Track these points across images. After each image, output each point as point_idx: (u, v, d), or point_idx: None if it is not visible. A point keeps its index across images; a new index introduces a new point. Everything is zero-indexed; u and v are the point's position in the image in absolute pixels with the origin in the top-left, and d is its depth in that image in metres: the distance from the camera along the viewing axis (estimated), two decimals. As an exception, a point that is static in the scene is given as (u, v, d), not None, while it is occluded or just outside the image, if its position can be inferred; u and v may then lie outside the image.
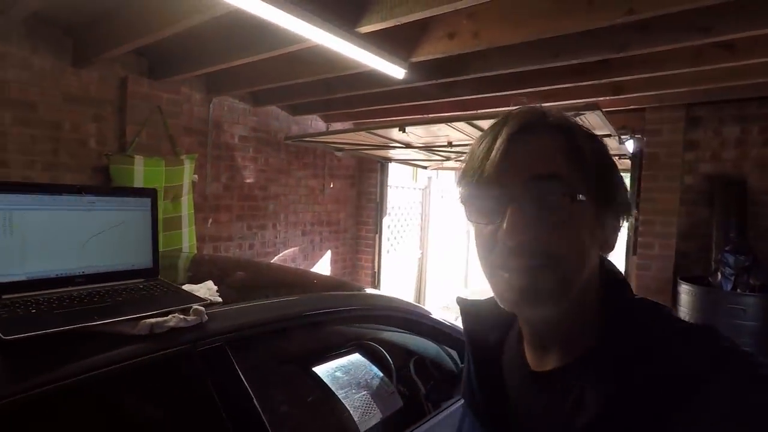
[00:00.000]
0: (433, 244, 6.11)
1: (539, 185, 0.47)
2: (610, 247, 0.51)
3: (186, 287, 1.17)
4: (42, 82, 2.44)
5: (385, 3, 1.67)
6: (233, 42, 2.36)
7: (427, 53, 2.09)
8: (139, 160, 2.66)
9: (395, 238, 5.40)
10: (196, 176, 3.07)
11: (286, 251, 4.16)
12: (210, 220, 3.43)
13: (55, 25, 2.43)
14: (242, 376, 1.00)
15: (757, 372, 0.40)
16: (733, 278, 2.66)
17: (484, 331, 0.63)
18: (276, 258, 4.04)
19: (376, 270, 5.01)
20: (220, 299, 1.14)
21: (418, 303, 5.66)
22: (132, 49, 2.41)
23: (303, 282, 1.84)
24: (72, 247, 1.07)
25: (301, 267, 4.33)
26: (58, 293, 1.00)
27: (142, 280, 1.17)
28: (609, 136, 2.64)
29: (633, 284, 3.34)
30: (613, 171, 0.51)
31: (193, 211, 3.04)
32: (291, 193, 4.15)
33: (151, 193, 1.23)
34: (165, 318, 0.95)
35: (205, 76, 3.16)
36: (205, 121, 3.35)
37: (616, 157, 3.48)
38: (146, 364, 0.87)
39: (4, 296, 0.94)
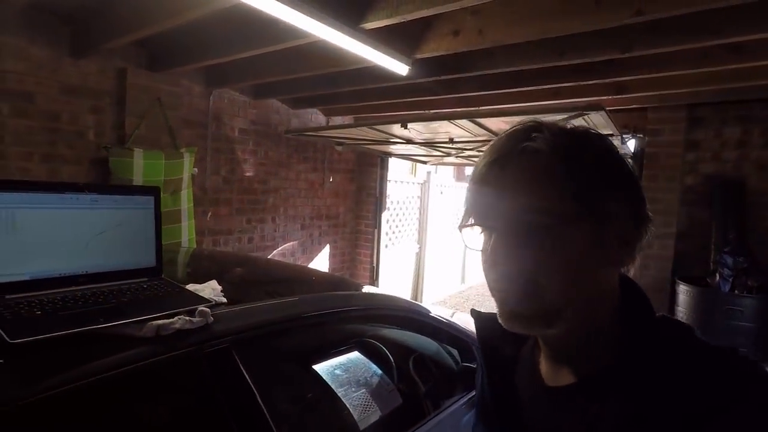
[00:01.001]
0: (431, 239, 6.12)
1: (517, 218, 0.48)
2: (622, 263, 0.50)
3: (190, 287, 1.17)
4: (39, 73, 2.40)
5: (391, 0, 1.65)
6: (236, 35, 2.32)
7: (431, 50, 2.07)
8: (138, 153, 2.63)
9: (393, 232, 5.40)
10: (195, 169, 3.04)
11: (285, 245, 4.15)
12: (210, 214, 3.41)
13: (53, 13, 2.39)
14: (248, 378, 1.00)
15: None
16: (731, 279, 2.68)
17: (500, 344, 0.63)
18: (275, 252, 4.03)
19: (374, 265, 5.01)
20: (224, 300, 1.14)
21: (416, 298, 5.68)
22: (132, 40, 2.37)
23: (304, 279, 1.84)
24: (75, 247, 1.06)
25: (300, 261, 4.33)
26: (62, 293, 0.99)
27: (146, 279, 1.16)
28: (612, 136, 2.64)
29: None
30: (608, 184, 0.49)
31: (192, 205, 3.02)
32: (290, 187, 4.13)
33: (154, 192, 1.22)
34: (171, 320, 0.94)
35: (205, 69, 3.12)
36: (205, 114, 3.31)
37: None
38: (153, 366, 0.87)
39: (7, 296, 0.93)
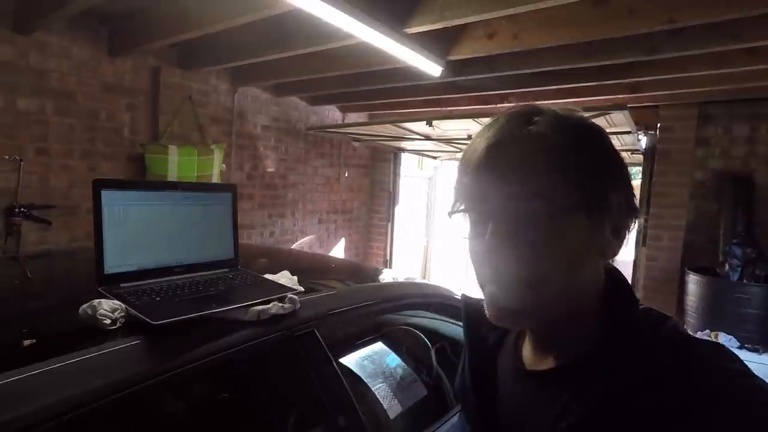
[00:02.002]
0: (438, 232, 6.23)
1: (518, 205, 0.45)
2: (613, 253, 0.49)
3: (267, 276, 1.27)
4: (80, 72, 2.47)
5: (435, 5, 1.74)
6: (265, 36, 2.40)
7: (465, 52, 2.17)
8: (173, 149, 2.71)
9: (402, 226, 5.51)
10: (224, 165, 3.13)
11: (304, 239, 4.25)
12: (234, 209, 3.49)
13: (92, 14, 2.45)
14: (329, 354, 1.12)
15: (753, 401, 0.39)
16: (740, 269, 2.82)
17: (484, 331, 0.63)
18: (295, 245, 4.13)
19: (387, 258, 5.12)
20: (302, 288, 1.24)
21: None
22: (169, 43, 2.44)
23: (331, 267, 1.97)
24: (171, 240, 1.15)
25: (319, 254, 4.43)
26: (165, 282, 1.09)
27: (227, 270, 1.26)
28: (629, 132, 2.75)
29: (642, 274, 3.50)
30: (608, 174, 0.48)
31: (221, 200, 3.10)
32: (308, 182, 4.22)
33: (232, 189, 1.32)
34: (268, 306, 1.05)
35: (231, 68, 3.19)
36: (230, 111, 3.39)
37: (629, 152, 3.60)
38: (260, 345, 0.98)
39: (121, 285, 1.03)
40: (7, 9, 2.16)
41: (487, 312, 0.50)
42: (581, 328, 0.49)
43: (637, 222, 0.50)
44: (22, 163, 2.27)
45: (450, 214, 0.52)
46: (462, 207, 0.50)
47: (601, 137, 0.49)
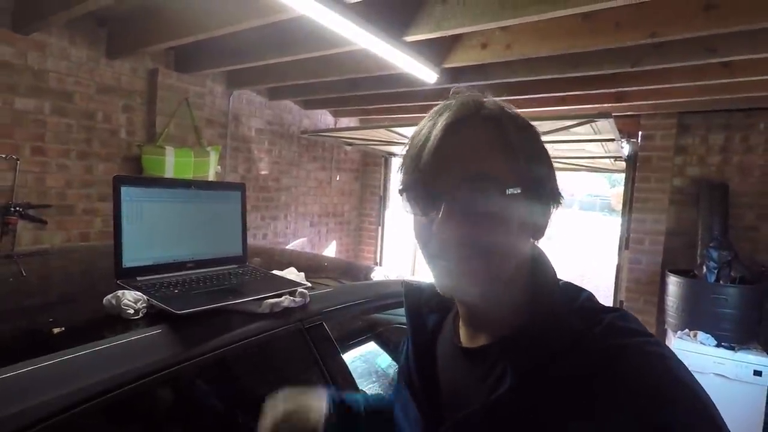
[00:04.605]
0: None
1: (472, 184, 0.48)
2: (542, 233, 0.53)
3: (275, 272, 1.32)
4: (78, 72, 2.48)
5: (433, 16, 1.83)
6: (264, 41, 2.45)
7: (459, 60, 2.26)
8: (170, 150, 2.73)
9: (392, 229, 5.58)
10: (219, 167, 3.15)
11: (296, 241, 4.28)
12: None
13: (91, 16, 2.47)
14: (337, 346, 1.18)
15: (647, 362, 0.43)
16: (716, 271, 2.96)
17: (425, 314, 0.65)
18: (287, 248, 4.15)
19: (377, 261, 5.18)
20: (309, 284, 1.30)
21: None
22: (166, 47, 2.47)
23: (327, 266, 2.03)
24: (184, 236, 1.20)
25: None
26: (180, 276, 1.13)
27: (236, 266, 1.31)
28: (613, 140, 2.88)
29: (625, 276, 3.63)
30: (544, 162, 0.52)
31: (215, 202, 3.12)
32: (301, 185, 4.26)
33: (240, 187, 1.37)
34: (280, 299, 1.10)
35: (227, 71, 3.23)
36: (225, 114, 3.42)
37: (613, 159, 3.75)
38: (272, 336, 1.03)
39: (138, 278, 1.07)
40: (6, 9, 2.17)
41: (438, 284, 0.53)
42: (513, 302, 0.52)
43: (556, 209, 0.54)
44: (18, 162, 2.27)
45: (401, 191, 0.53)
46: (416, 184, 0.51)
47: (536, 131, 0.54)
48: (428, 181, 0.49)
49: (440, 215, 0.48)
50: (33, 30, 2.20)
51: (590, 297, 0.53)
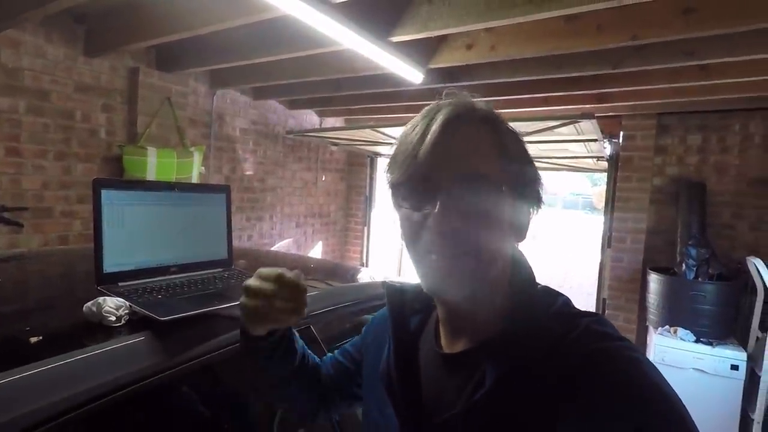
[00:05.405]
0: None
1: (469, 179, 0.48)
2: (524, 235, 0.54)
3: (262, 276, 1.30)
4: (55, 71, 2.41)
5: (419, 17, 1.83)
6: (248, 41, 2.42)
7: (445, 61, 2.27)
8: (152, 151, 2.68)
9: (378, 229, 5.58)
10: (203, 168, 3.10)
11: (281, 242, 4.24)
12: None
13: (68, 13, 2.40)
14: (324, 347, 1.17)
15: (623, 366, 0.44)
16: (695, 268, 3.04)
17: (407, 316, 0.65)
18: (273, 249, 4.11)
19: (363, 262, 5.17)
20: (296, 287, 1.29)
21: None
22: (147, 45, 2.42)
23: (313, 266, 2.02)
24: (166, 239, 1.17)
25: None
26: (163, 281, 1.11)
27: (221, 269, 1.29)
28: (596, 140, 2.93)
29: (608, 274, 3.70)
30: (530, 165, 0.54)
31: (199, 203, 3.06)
32: (286, 186, 4.23)
33: (225, 189, 1.34)
34: (266, 302, 1.09)
35: (210, 70, 3.18)
36: (209, 113, 3.37)
37: (595, 159, 3.81)
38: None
39: (120, 284, 1.04)
40: (-23, 5, 2.09)
41: (426, 283, 0.53)
42: (494, 305, 0.53)
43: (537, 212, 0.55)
44: (-8, 163, 2.20)
45: (394, 186, 0.53)
46: (411, 179, 0.51)
47: (520, 134, 0.55)
48: (426, 175, 0.50)
49: (437, 209, 0.48)
50: (5, 27, 2.13)
51: (567, 302, 0.54)
